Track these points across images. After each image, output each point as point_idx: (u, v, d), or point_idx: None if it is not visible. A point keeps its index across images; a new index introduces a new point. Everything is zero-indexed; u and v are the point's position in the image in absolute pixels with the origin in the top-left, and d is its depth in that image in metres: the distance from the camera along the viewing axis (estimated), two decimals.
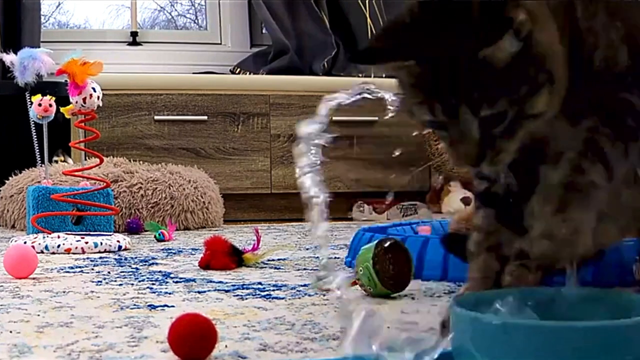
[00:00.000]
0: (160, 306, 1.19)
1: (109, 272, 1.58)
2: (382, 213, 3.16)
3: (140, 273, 1.57)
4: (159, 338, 0.96)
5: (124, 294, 1.30)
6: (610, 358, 0.66)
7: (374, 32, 3.63)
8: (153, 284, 1.41)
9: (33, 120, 2.16)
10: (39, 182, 2.34)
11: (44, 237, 1.97)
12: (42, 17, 3.50)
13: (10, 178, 2.82)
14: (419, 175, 3.30)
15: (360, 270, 1.24)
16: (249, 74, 3.55)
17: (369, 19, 3.64)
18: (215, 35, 3.83)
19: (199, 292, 1.32)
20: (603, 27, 0.89)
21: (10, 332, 1.01)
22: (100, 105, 2.10)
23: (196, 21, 4.19)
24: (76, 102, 2.05)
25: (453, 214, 2.49)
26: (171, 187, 2.71)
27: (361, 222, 2.82)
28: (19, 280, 1.47)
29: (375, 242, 1.28)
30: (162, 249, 2.02)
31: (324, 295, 1.27)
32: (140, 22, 3.84)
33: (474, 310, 0.72)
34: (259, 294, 1.29)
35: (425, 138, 3.02)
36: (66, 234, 2.03)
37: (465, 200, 3.13)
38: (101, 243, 1.96)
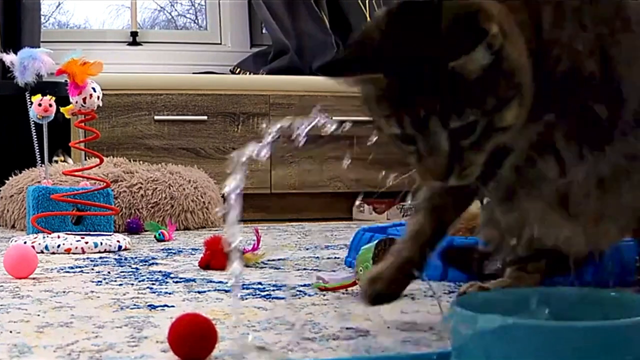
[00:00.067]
0: (160, 306, 1.19)
1: (109, 272, 1.58)
2: (382, 213, 3.15)
3: (140, 273, 1.57)
4: (159, 338, 0.96)
5: (124, 294, 1.30)
6: (610, 358, 0.66)
7: None
8: (153, 284, 1.41)
9: (33, 120, 2.16)
10: (39, 182, 2.34)
11: (44, 237, 1.97)
12: (42, 17, 3.50)
13: (10, 178, 2.81)
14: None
15: (360, 270, 1.24)
16: (249, 74, 3.55)
17: (369, 19, 3.64)
18: (215, 35, 3.82)
19: (199, 292, 1.32)
20: (569, 37, 0.89)
21: (10, 332, 1.01)
22: (100, 105, 2.09)
23: (196, 21, 4.18)
24: (76, 102, 2.05)
25: None
26: (171, 187, 2.71)
27: (361, 222, 2.82)
28: (19, 280, 1.47)
29: (375, 242, 1.28)
30: (162, 249, 2.02)
31: (324, 295, 1.27)
32: (140, 22, 3.84)
33: (477, 310, 0.72)
34: (259, 294, 1.29)
35: None
36: (66, 234, 2.02)
37: None
38: (101, 243, 1.96)
